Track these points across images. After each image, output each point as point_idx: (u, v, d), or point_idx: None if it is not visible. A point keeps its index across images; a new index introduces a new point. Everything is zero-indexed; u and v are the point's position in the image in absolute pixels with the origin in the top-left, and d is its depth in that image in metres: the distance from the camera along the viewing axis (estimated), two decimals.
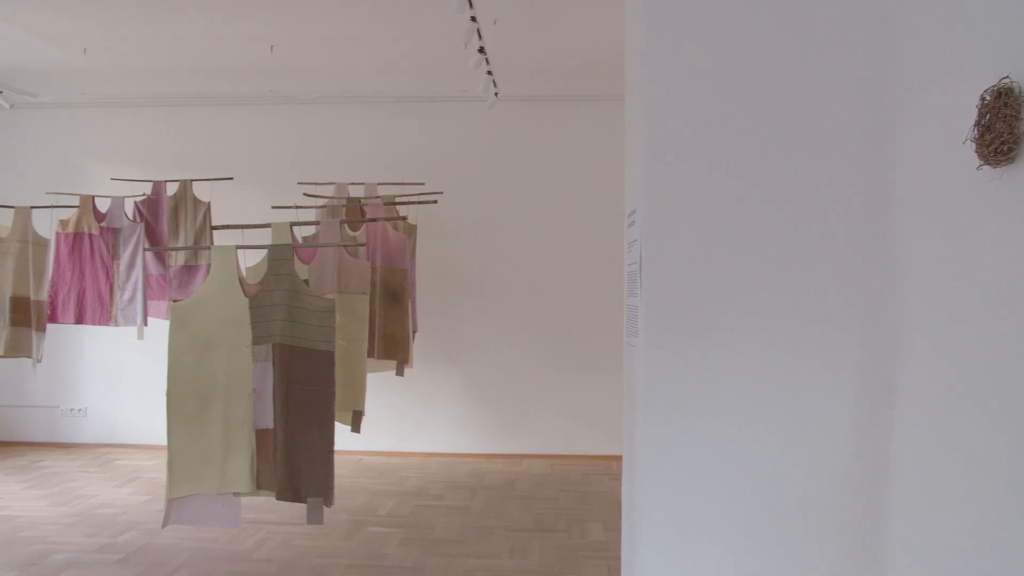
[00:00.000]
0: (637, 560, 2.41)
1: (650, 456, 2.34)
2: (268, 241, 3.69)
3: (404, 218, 5.13)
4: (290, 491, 3.33)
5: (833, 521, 2.28)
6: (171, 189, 5.97)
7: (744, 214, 2.31)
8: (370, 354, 4.68)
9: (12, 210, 5.35)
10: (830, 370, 2.27)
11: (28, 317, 5.21)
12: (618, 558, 4.37)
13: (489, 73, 5.96)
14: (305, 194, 5.99)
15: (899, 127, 2.18)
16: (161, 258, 5.73)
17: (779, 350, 2.28)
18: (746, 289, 2.30)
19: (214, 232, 5.44)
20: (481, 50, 5.47)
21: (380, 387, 5.81)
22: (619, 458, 6.62)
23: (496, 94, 6.31)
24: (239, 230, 3.94)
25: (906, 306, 2.13)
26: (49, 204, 5.65)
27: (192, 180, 6.01)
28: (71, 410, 7.46)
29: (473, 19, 4.98)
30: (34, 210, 5.39)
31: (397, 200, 5.78)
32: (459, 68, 6.49)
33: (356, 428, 4.38)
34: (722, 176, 2.32)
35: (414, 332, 5.51)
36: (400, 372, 5.14)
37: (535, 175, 7.12)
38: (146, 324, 5.60)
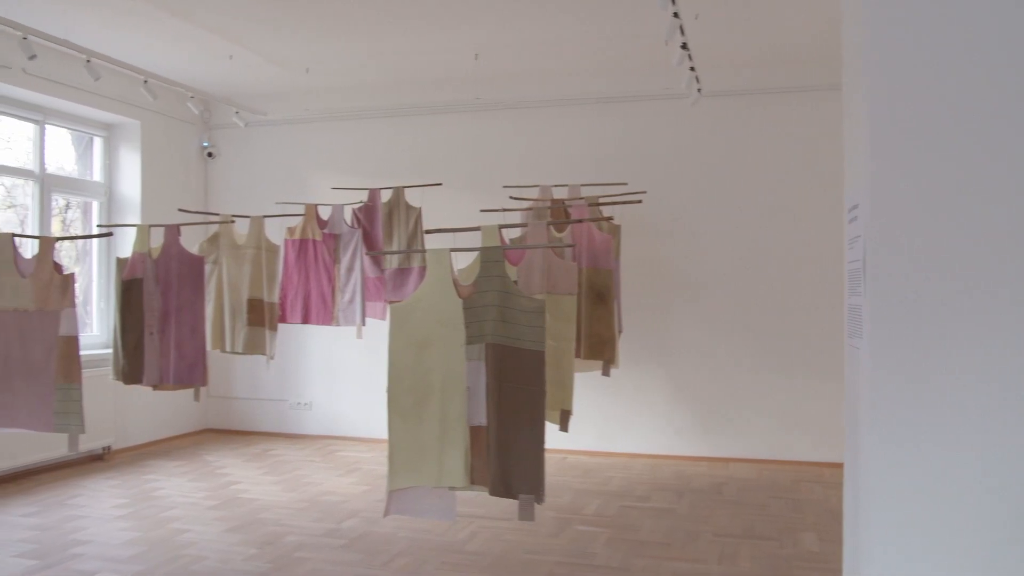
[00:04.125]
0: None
1: (877, 466, 2.20)
2: (477, 244, 3.79)
3: (610, 218, 5.13)
4: (503, 487, 3.41)
5: None
6: (385, 196, 6.28)
7: (981, 209, 2.12)
8: (576, 354, 4.71)
9: (248, 219, 5.82)
10: None
11: (262, 317, 5.65)
12: (834, 571, 4.17)
13: (692, 69, 5.85)
14: (511, 197, 6.13)
15: None
16: (377, 261, 6.05)
17: None
18: (986, 287, 2.12)
19: (426, 235, 5.67)
20: (684, 46, 5.38)
21: (585, 387, 5.83)
22: (832, 465, 6.35)
23: (699, 90, 6.18)
24: (450, 233, 4.08)
25: None
26: (278, 213, 6.10)
27: (404, 187, 6.30)
28: (298, 404, 8.04)
29: (675, 15, 4.91)
30: (266, 219, 5.84)
31: (601, 201, 5.80)
32: (660, 66, 6.42)
33: (564, 427, 4.43)
34: (958, 168, 2.15)
35: (619, 332, 5.50)
36: (606, 372, 5.15)
37: (742, 171, 6.91)
38: (364, 324, 5.93)
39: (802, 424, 6.73)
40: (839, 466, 3.39)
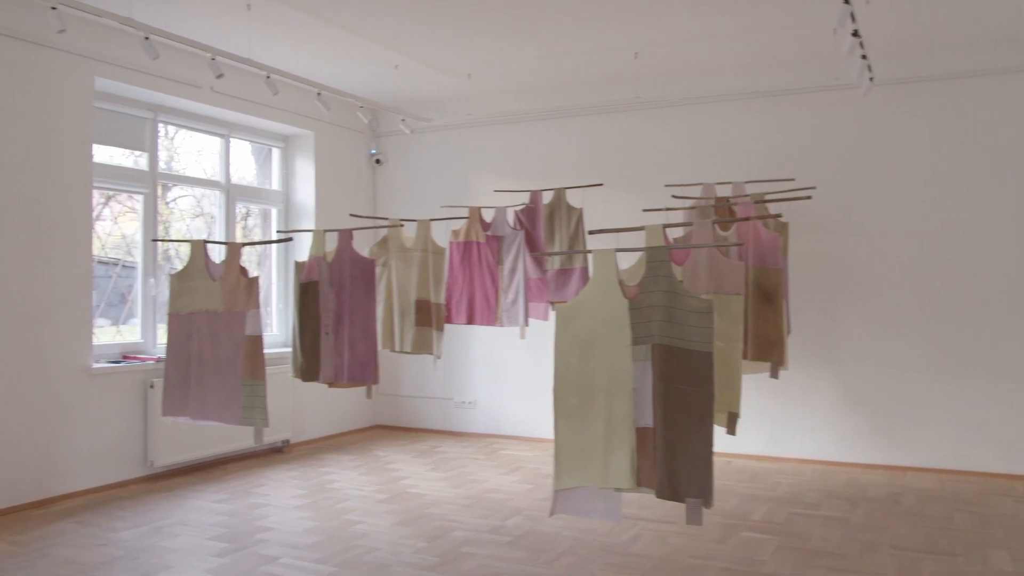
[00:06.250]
0: None
1: None
2: (640, 244, 3.76)
3: (778, 216, 4.97)
4: (669, 490, 3.37)
5: None
6: (546, 197, 6.34)
7: None
8: (743, 355, 4.60)
9: (415, 223, 6.02)
10: None
11: (430, 318, 5.82)
12: None
13: (864, 58, 5.58)
14: (673, 196, 6.05)
15: None
16: (540, 262, 6.11)
17: None
18: None
19: (589, 236, 5.68)
20: (855, 33, 5.14)
21: (752, 389, 5.68)
22: None
23: (871, 79, 5.89)
24: (613, 233, 4.06)
25: None
26: (444, 216, 6.27)
27: (565, 188, 6.34)
28: (463, 402, 8.23)
29: (846, 1, 4.70)
30: (432, 222, 6.01)
31: (767, 198, 5.63)
32: (828, 56, 6.19)
33: (731, 430, 4.33)
34: None
35: (788, 333, 5.32)
36: (774, 374, 5.00)
37: (920, 163, 6.52)
38: (527, 324, 6.00)
39: (989, 433, 6.28)
40: None
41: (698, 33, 6.11)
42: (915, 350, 6.51)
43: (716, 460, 3.40)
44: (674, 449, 3.34)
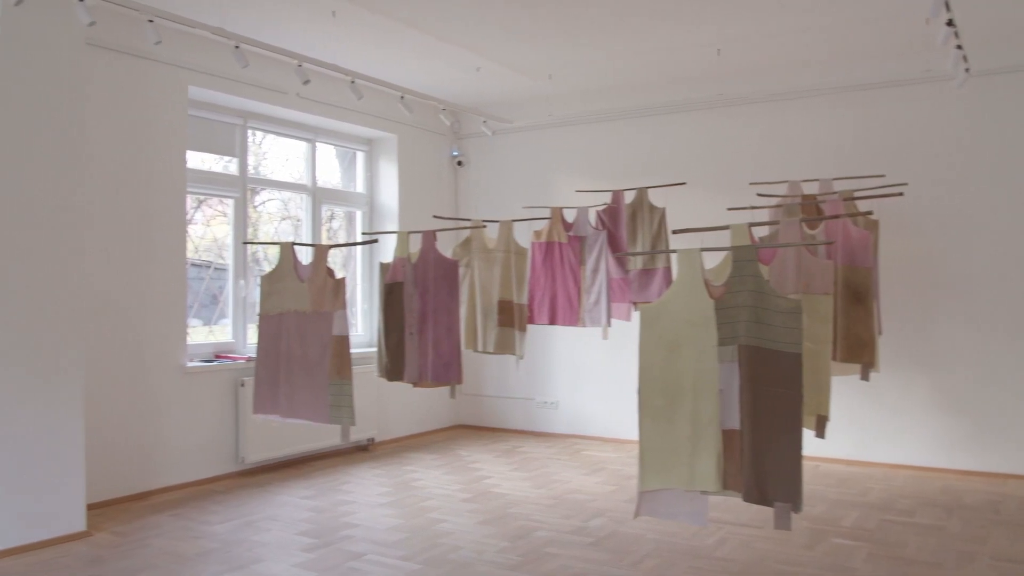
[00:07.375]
0: None
1: None
2: (724, 243, 3.71)
3: (869, 213, 4.83)
4: (757, 493, 3.31)
5: None
6: (628, 197, 6.29)
7: None
8: (832, 356, 4.48)
9: (497, 224, 6.04)
10: None
11: (512, 318, 5.83)
12: None
13: (959, 47, 5.37)
14: (758, 194, 5.94)
15: None
16: (622, 263, 6.07)
17: None
18: None
19: (673, 235, 5.62)
20: (950, 23, 4.95)
21: (840, 391, 5.52)
22: None
23: (967, 70, 5.67)
24: (696, 233, 4.01)
25: None
26: (526, 217, 6.29)
27: (647, 187, 6.28)
28: (544, 403, 8.24)
29: None
30: (514, 223, 6.03)
31: (856, 195, 5.48)
32: (918, 47, 5.99)
33: (820, 433, 4.24)
34: None
35: (879, 334, 5.17)
36: (865, 376, 4.87)
37: (1018, 157, 6.25)
38: (610, 325, 5.97)
39: None
40: None
41: (782, 28, 5.99)
42: (1014, 351, 6.24)
43: (804, 464, 3.32)
44: (762, 452, 3.28)
